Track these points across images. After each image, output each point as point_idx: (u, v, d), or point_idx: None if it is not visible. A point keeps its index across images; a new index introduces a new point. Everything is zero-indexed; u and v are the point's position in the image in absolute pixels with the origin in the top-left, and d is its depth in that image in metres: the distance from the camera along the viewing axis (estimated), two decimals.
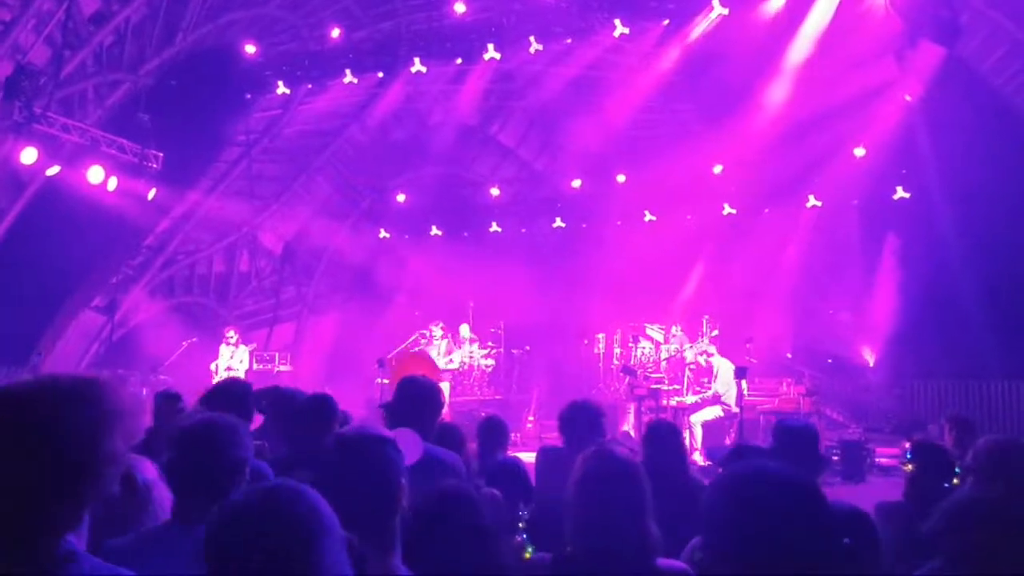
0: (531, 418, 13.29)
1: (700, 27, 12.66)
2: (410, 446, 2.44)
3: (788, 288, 14.25)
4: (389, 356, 12.94)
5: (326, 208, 18.77)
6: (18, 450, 1.51)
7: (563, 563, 2.56)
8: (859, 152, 14.07)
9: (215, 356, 13.73)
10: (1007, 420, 12.75)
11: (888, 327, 13.66)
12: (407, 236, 19.24)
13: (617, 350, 15.06)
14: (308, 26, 15.55)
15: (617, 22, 12.85)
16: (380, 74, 15.20)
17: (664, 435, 4.53)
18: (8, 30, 12.09)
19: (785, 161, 14.28)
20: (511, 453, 5.43)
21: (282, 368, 15.39)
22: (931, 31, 10.86)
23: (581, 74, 14.89)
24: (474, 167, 19.21)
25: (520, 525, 3.08)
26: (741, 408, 9.73)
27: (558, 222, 18.12)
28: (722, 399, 10.80)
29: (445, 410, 12.26)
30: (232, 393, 4.19)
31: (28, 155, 12.16)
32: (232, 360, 13.62)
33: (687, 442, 10.13)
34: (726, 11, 12.09)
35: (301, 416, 4.08)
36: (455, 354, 13.90)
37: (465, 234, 18.79)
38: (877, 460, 10.71)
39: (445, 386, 12.99)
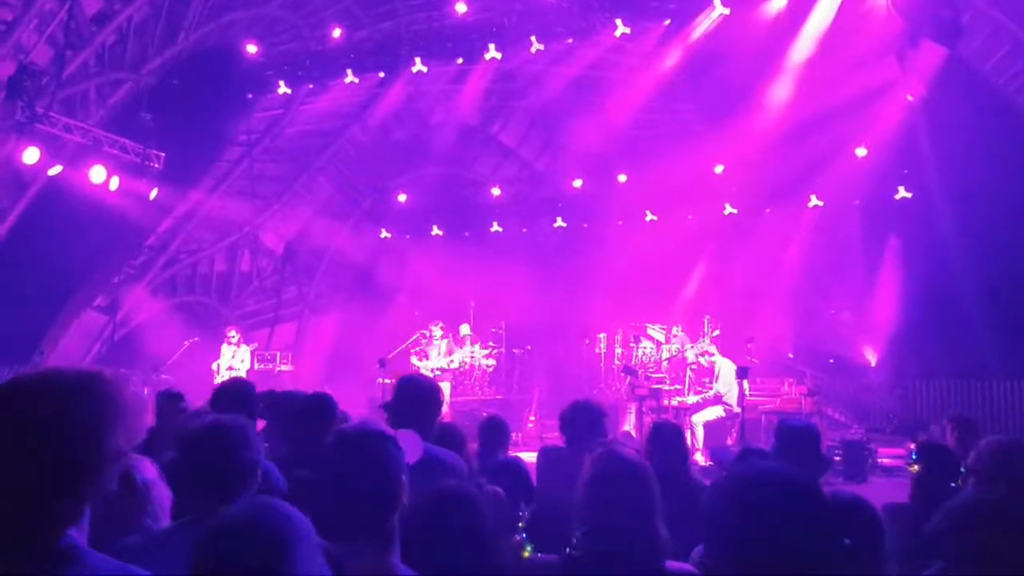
0: (532, 418, 13.29)
1: (701, 27, 12.66)
2: (411, 446, 2.45)
3: (790, 288, 14.24)
4: (390, 356, 12.96)
5: (327, 208, 18.78)
6: (20, 445, 1.52)
7: (571, 564, 2.55)
8: (861, 152, 14.06)
9: (217, 356, 13.75)
10: (1009, 420, 12.74)
11: (890, 327, 13.65)
12: (408, 236, 19.25)
13: (618, 350, 15.06)
14: (309, 26, 15.56)
15: (618, 22, 12.85)
16: (381, 74, 15.20)
17: (667, 436, 4.53)
18: (10, 30, 12.11)
19: (786, 161, 14.27)
20: (512, 453, 5.43)
21: (283, 368, 15.40)
22: (932, 31, 10.85)
23: (582, 74, 14.88)
24: (475, 167, 19.22)
25: (520, 525, 3.08)
26: (743, 408, 9.73)
27: (559, 222, 18.12)
28: (724, 399, 10.78)
29: (446, 409, 12.26)
30: (237, 394, 4.20)
31: (30, 155, 12.17)
32: (233, 360, 13.63)
33: (689, 442, 10.16)
34: (727, 11, 12.08)
35: (300, 415, 4.08)
36: (455, 354, 13.90)
37: (466, 234, 18.79)
38: (879, 460, 10.70)
39: (446, 386, 13.01)
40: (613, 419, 11.05)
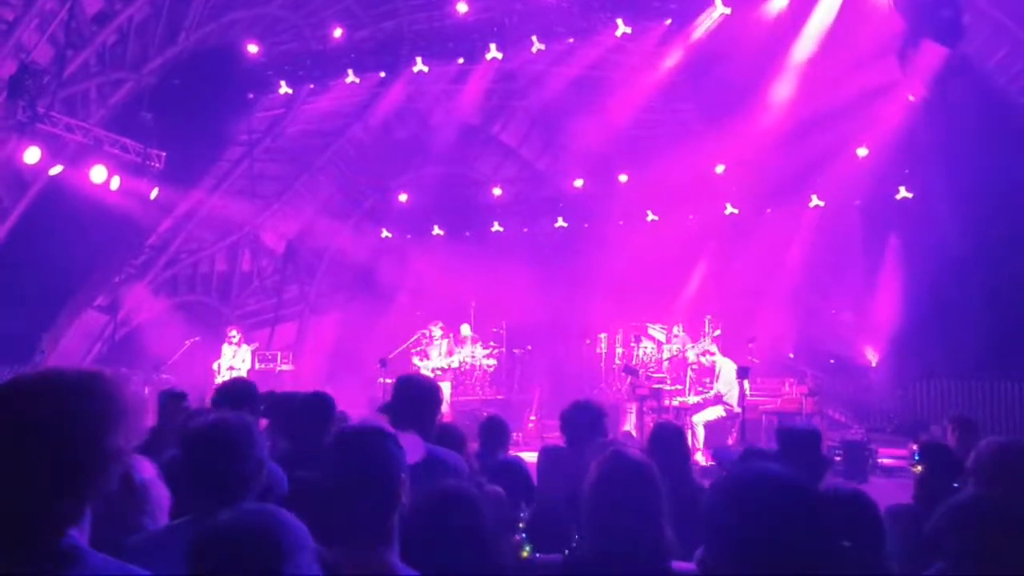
0: (532, 418, 13.29)
1: (702, 27, 12.66)
2: (413, 448, 2.45)
3: (790, 288, 14.24)
4: (391, 355, 12.96)
5: (328, 208, 18.78)
6: (21, 445, 1.51)
7: (576, 564, 2.55)
8: (862, 152, 14.05)
9: (217, 355, 13.75)
10: (1010, 421, 12.72)
11: (891, 327, 13.64)
12: (409, 236, 19.26)
13: (619, 350, 15.07)
14: (310, 26, 15.56)
15: (619, 22, 12.84)
16: (382, 74, 15.20)
17: (669, 437, 4.54)
18: (11, 29, 12.11)
19: (787, 161, 14.26)
20: (512, 453, 5.43)
21: (284, 368, 15.40)
22: (933, 31, 10.84)
23: (583, 74, 14.88)
24: (476, 167, 19.22)
25: (520, 525, 3.08)
26: (743, 408, 9.72)
27: (560, 222, 18.12)
28: (724, 399, 10.78)
29: (446, 409, 12.22)
30: (239, 393, 4.20)
31: (31, 154, 12.18)
32: (234, 359, 13.64)
33: (689, 442, 10.16)
34: (728, 11, 12.08)
35: (299, 415, 4.09)
36: (456, 354, 13.92)
37: (467, 234, 18.80)
38: (879, 460, 10.70)
39: (446, 386, 13.02)
40: (613, 419, 11.03)
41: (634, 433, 11.27)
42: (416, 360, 13.68)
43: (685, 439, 4.83)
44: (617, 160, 16.84)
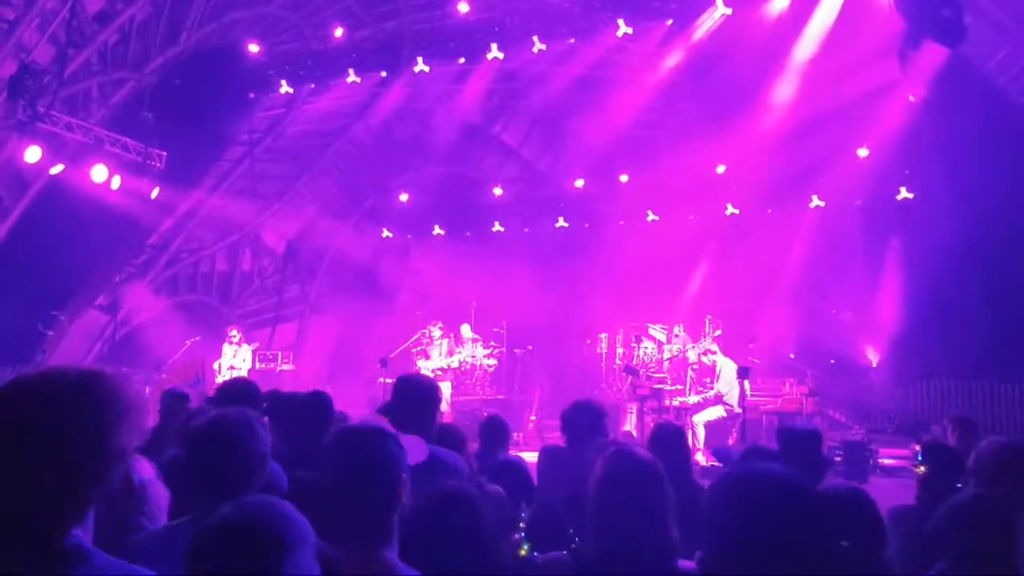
0: (533, 417, 13.29)
1: (704, 27, 12.66)
2: (415, 449, 2.45)
3: (791, 288, 14.23)
4: (391, 355, 12.96)
5: (329, 207, 18.79)
6: (24, 446, 1.51)
7: (581, 563, 2.54)
8: (862, 152, 14.04)
9: (218, 355, 13.75)
10: (1011, 421, 12.72)
11: (891, 327, 13.63)
12: (410, 235, 19.26)
13: (620, 350, 15.07)
14: (311, 26, 15.57)
15: (621, 22, 12.84)
16: (383, 73, 15.20)
17: (670, 438, 4.53)
18: (12, 29, 12.12)
19: (788, 161, 14.26)
20: (513, 453, 5.43)
21: (284, 367, 15.41)
22: (934, 31, 10.82)
23: (584, 74, 14.87)
24: (477, 167, 19.22)
25: (520, 525, 3.08)
26: (744, 408, 9.73)
27: (561, 222, 18.12)
28: (724, 399, 10.78)
29: (447, 409, 12.21)
30: (240, 393, 4.20)
31: (32, 154, 12.19)
32: (235, 359, 13.64)
33: (690, 442, 10.16)
34: (729, 11, 12.08)
35: (298, 415, 4.09)
36: (456, 353, 13.93)
37: (468, 234, 18.79)
38: (880, 461, 10.69)
39: (447, 386, 13.03)
40: (614, 419, 11.04)
41: (635, 433, 11.26)
42: (420, 362, 13.70)
43: (686, 439, 4.83)
44: (618, 160, 16.84)
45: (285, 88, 15.25)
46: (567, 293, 16.10)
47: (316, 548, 1.66)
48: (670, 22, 12.93)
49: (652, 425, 8.12)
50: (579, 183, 17.61)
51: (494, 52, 13.90)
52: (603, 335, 15.62)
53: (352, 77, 14.89)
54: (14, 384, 1.61)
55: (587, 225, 17.91)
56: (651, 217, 17.17)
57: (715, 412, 10.85)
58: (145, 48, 13.97)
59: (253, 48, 14.93)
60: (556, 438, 5.40)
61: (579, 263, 16.55)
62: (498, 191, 18.67)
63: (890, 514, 3.76)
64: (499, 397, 14.58)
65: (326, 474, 2.30)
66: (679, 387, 12.01)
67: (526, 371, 15.95)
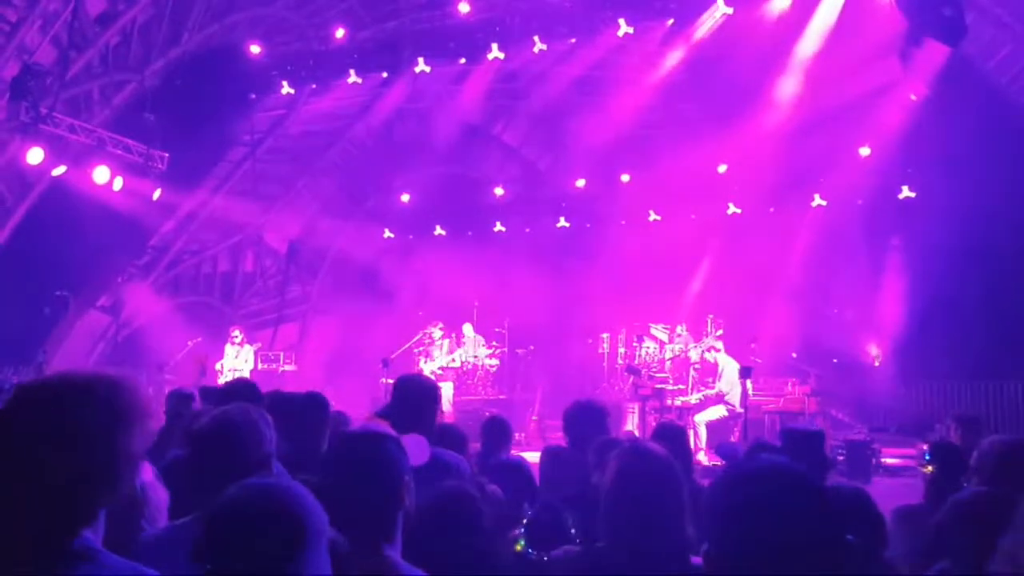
0: (534, 417, 13.30)
1: (704, 26, 12.66)
2: (417, 449, 2.45)
3: (793, 288, 14.22)
4: (393, 355, 12.97)
5: (330, 208, 18.80)
6: (38, 449, 1.53)
7: (597, 559, 2.54)
8: (864, 151, 14.03)
9: (220, 355, 13.76)
10: (1013, 420, 12.71)
11: (893, 327, 13.62)
12: (411, 236, 19.26)
13: (621, 349, 15.06)
14: (312, 26, 15.57)
15: (621, 21, 12.85)
16: (384, 74, 15.22)
17: (671, 437, 4.54)
18: (15, 31, 12.15)
19: (790, 161, 14.24)
20: (515, 452, 5.44)
21: (287, 368, 15.43)
22: (935, 29, 10.82)
23: (585, 74, 14.87)
24: (478, 167, 19.21)
25: (524, 521, 3.09)
26: (746, 408, 9.71)
27: (562, 222, 18.11)
28: (726, 398, 10.78)
29: (449, 409, 12.21)
30: (241, 394, 4.20)
31: (34, 155, 12.22)
32: (237, 360, 13.66)
33: (692, 442, 10.16)
34: (730, 10, 12.08)
35: (294, 415, 4.08)
36: (457, 352, 13.95)
37: (469, 234, 18.78)
38: (883, 460, 10.69)
39: (449, 386, 13.04)
40: (616, 419, 11.03)
41: (636, 433, 11.25)
42: (421, 361, 13.71)
43: (687, 439, 4.83)
44: (619, 160, 16.83)
45: (286, 89, 15.26)
46: (568, 293, 16.09)
47: (330, 541, 1.65)
48: (671, 22, 12.93)
49: (654, 425, 8.12)
50: (580, 183, 17.61)
51: (495, 52, 13.90)
52: (605, 335, 15.61)
53: (353, 78, 14.90)
54: (27, 388, 1.63)
55: (588, 225, 17.90)
56: (652, 217, 17.16)
57: (717, 412, 10.85)
58: (147, 49, 13.98)
59: (254, 49, 14.95)
60: (558, 438, 5.40)
61: (580, 263, 16.54)
62: (499, 191, 18.66)
63: (896, 513, 3.77)
64: (501, 397, 14.58)
65: (327, 476, 2.30)
66: (681, 387, 12.00)
67: (528, 371, 15.95)
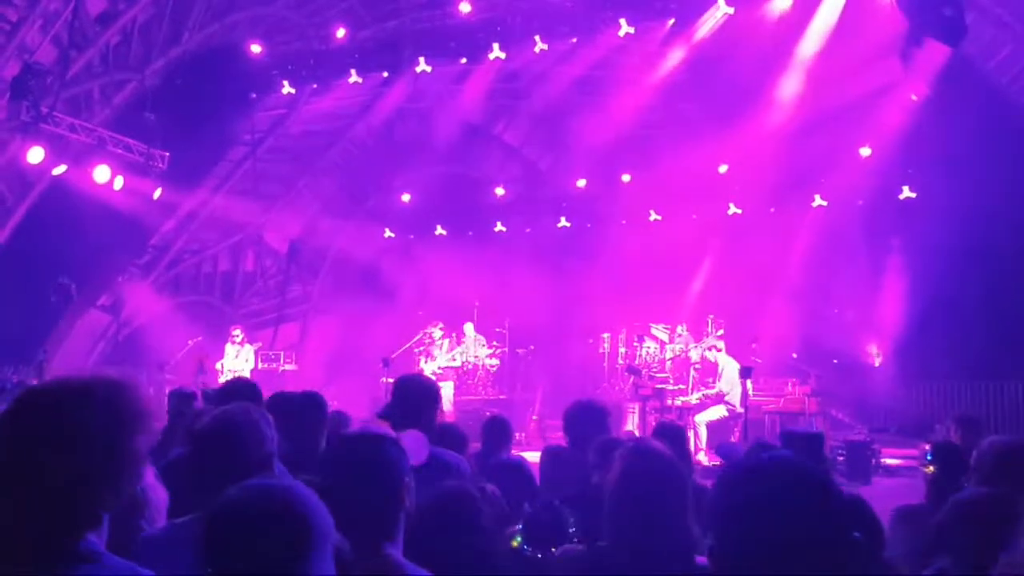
0: (535, 417, 13.30)
1: (705, 27, 12.65)
2: (416, 447, 2.45)
3: (793, 288, 14.21)
4: (394, 355, 12.97)
5: (331, 207, 18.79)
6: (43, 451, 1.53)
7: (602, 558, 2.53)
8: (864, 152, 14.03)
9: (221, 355, 13.77)
10: (1014, 420, 12.70)
11: (894, 327, 13.62)
12: (412, 236, 19.26)
13: (622, 349, 15.06)
14: (313, 26, 15.58)
15: (622, 21, 12.85)
16: (385, 74, 15.22)
17: (671, 436, 4.54)
18: (15, 30, 12.15)
19: (790, 161, 14.25)
20: (515, 452, 5.44)
21: (287, 367, 15.43)
22: (936, 30, 10.82)
23: (586, 73, 14.87)
24: (479, 166, 19.20)
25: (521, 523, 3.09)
26: (746, 408, 9.71)
27: (563, 222, 18.10)
28: (726, 399, 10.78)
29: (449, 408, 12.20)
30: (241, 394, 4.20)
31: (35, 154, 12.22)
32: (237, 359, 13.67)
33: (692, 442, 10.16)
34: (731, 10, 12.07)
35: (294, 415, 4.08)
36: (456, 351, 13.94)
37: (470, 234, 18.78)
38: (882, 461, 10.68)
39: (449, 385, 13.04)
40: (616, 419, 11.02)
41: (637, 433, 11.26)
42: (422, 361, 13.71)
43: (686, 438, 4.83)
44: (620, 160, 16.83)
45: (287, 88, 15.26)
46: (569, 293, 16.09)
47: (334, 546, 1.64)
48: (672, 22, 12.92)
49: (654, 425, 8.11)
50: (581, 183, 17.60)
51: (496, 52, 13.90)
52: (605, 335, 15.61)
53: (354, 77, 14.90)
54: (33, 391, 1.64)
55: (589, 225, 17.90)
56: (653, 217, 17.16)
57: (717, 412, 10.85)
58: (147, 49, 13.98)
59: (255, 48, 14.95)
60: (558, 438, 5.40)
61: (581, 263, 16.54)
62: (500, 191, 18.65)
63: (898, 513, 3.77)
64: (501, 397, 14.57)
65: (326, 478, 2.30)
66: (681, 387, 12.00)
67: (528, 371, 15.94)
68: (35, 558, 1.50)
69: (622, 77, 14.83)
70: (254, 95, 15.41)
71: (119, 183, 13.30)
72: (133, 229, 14.72)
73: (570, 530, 3.01)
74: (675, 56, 13.55)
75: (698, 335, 13.18)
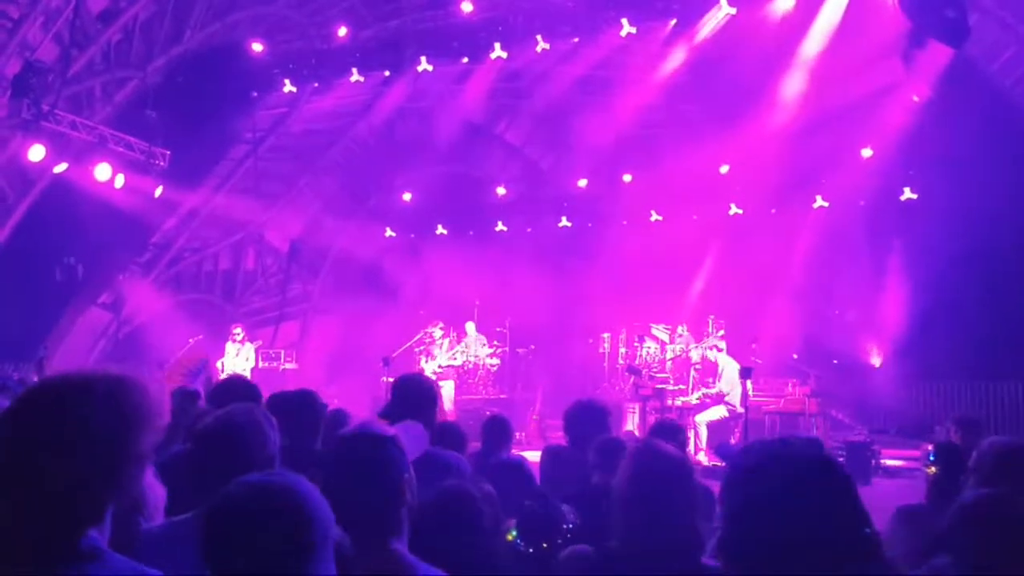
0: (535, 417, 13.30)
1: (708, 27, 12.64)
2: (415, 439, 2.44)
3: (794, 289, 14.20)
4: (394, 354, 12.97)
5: (332, 206, 18.79)
6: (48, 447, 1.52)
7: (609, 559, 2.53)
8: (866, 153, 14.03)
9: (221, 353, 13.77)
10: (1014, 422, 12.69)
11: (895, 328, 13.61)
12: (413, 235, 19.26)
13: (622, 349, 15.06)
14: (315, 25, 15.58)
15: (624, 21, 12.85)
16: (386, 73, 15.22)
17: (669, 435, 4.53)
18: (16, 28, 12.15)
19: (792, 162, 14.24)
20: (515, 452, 5.44)
21: (287, 366, 15.45)
22: (938, 31, 10.80)
23: (588, 73, 14.86)
24: (480, 166, 19.20)
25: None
26: (746, 408, 9.70)
27: (564, 221, 18.09)
28: (726, 399, 10.78)
29: (450, 407, 12.20)
30: (239, 392, 4.20)
31: (36, 152, 12.22)
32: (238, 358, 13.67)
33: (692, 442, 10.16)
34: (734, 11, 12.07)
35: (292, 414, 4.08)
36: (458, 350, 13.94)
37: (471, 233, 18.78)
38: (882, 462, 10.68)
39: (450, 384, 13.04)
40: (616, 419, 11.02)
41: (637, 433, 11.26)
42: (423, 360, 13.71)
43: (684, 436, 4.83)
44: (621, 160, 16.82)
45: (288, 87, 15.27)
46: (570, 293, 16.08)
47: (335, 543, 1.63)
48: (674, 22, 12.91)
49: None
50: (582, 183, 17.60)
51: (497, 51, 13.90)
52: (606, 335, 15.61)
53: (355, 76, 14.90)
54: (38, 387, 1.63)
55: (590, 225, 17.89)
56: (654, 217, 17.15)
57: (717, 412, 10.84)
58: (149, 47, 13.99)
59: (256, 47, 14.95)
60: (558, 437, 5.40)
61: (582, 263, 16.53)
62: (501, 191, 18.65)
63: (898, 513, 3.76)
64: (502, 396, 14.57)
65: (326, 477, 2.29)
66: (682, 387, 12.00)
67: (529, 370, 15.94)
68: (36, 558, 1.49)
69: (624, 77, 14.83)
70: (255, 94, 15.41)
71: (120, 181, 13.30)
72: (134, 227, 14.72)
73: (564, 526, 3.01)
74: (677, 56, 13.53)
75: (699, 335, 13.18)
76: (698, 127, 15.20)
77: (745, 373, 9.51)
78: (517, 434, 9.11)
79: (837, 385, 13.32)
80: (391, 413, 3.65)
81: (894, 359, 14.03)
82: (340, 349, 17.14)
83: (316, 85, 15.60)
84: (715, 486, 1.91)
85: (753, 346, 11.61)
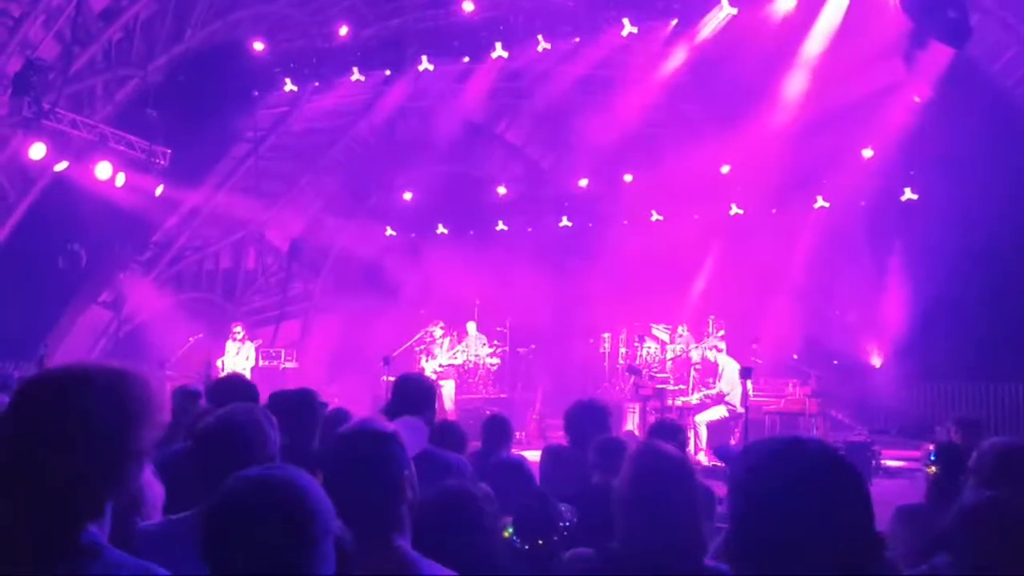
0: (535, 416, 13.30)
1: (709, 27, 12.63)
2: (414, 435, 2.44)
3: (795, 289, 14.20)
4: (394, 353, 12.97)
5: (333, 205, 18.80)
6: (49, 442, 1.52)
7: (611, 560, 2.53)
8: (867, 153, 14.02)
9: (222, 352, 13.77)
10: (1015, 422, 12.69)
11: (895, 328, 13.61)
12: (414, 234, 19.26)
13: (622, 349, 15.06)
14: (316, 24, 15.58)
15: (625, 21, 12.84)
16: (387, 72, 15.22)
17: (669, 435, 4.53)
18: (18, 25, 12.14)
19: (793, 162, 14.24)
20: (515, 451, 5.44)
21: (288, 365, 15.44)
22: (940, 31, 10.79)
23: (589, 73, 14.86)
24: (481, 165, 19.20)
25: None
26: (746, 408, 9.70)
27: (565, 221, 18.09)
28: (726, 399, 10.77)
29: (450, 407, 12.21)
30: (237, 391, 4.20)
31: (37, 150, 12.21)
32: (238, 356, 13.67)
33: (692, 442, 10.16)
34: (735, 11, 12.06)
35: (291, 412, 4.08)
36: (458, 349, 13.94)
37: (471, 232, 18.78)
38: (883, 462, 10.67)
39: (450, 384, 13.04)
40: (616, 419, 11.02)
41: (637, 433, 11.26)
42: (423, 360, 13.71)
43: (683, 436, 4.83)
44: (622, 160, 16.82)
45: (289, 86, 15.27)
46: (570, 292, 16.09)
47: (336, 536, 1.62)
48: (675, 22, 12.90)
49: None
50: (583, 182, 17.59)
51: (498, 51, 13.89)
52: (606, 335, 15.61)
53: (356, 75, 14.90)
54: (39, 380, 1.61)
55: (591, 225, 17.89)
56: (655, 217, 17.15)
57: (717, 412, 10.84)
58: (150, 46, 13.98)
59: (258, 46, 14.94)
60: (559, 437, 5.40)
61: (582, 263, 16.54)
62: (502, 190, 18.65)
63: (898, 513, 3.76)
64: (502, 396, 14.57)
65: (326, 475, 2.29)
66: (682, 387, 12.00)
67: (529, 370, 15.94)
68: (36, 553, 1.49)
69: (625, 77, 14.82)
70: (256, 92, 15.41)
71: (121, 180, 13.29)
72: (135, 226, 14.72)
73: (561, 524, 3.01)
74: (678, 56, 13.53)
75: (699, 335, 13.17)
76: (699, 127, 15.19)
77: (745, 373, 9.50)
78: (517, 434, 9.11)
79: (837, 385, 13.32)
80: (391, 412, 3.66)
81: (894, 359, 14.03)
82: (341, 348, 17.15)
83: (317, 84, 15.60)
84: (715, 486, 1.91)
85: (753, 346, 11.61)
